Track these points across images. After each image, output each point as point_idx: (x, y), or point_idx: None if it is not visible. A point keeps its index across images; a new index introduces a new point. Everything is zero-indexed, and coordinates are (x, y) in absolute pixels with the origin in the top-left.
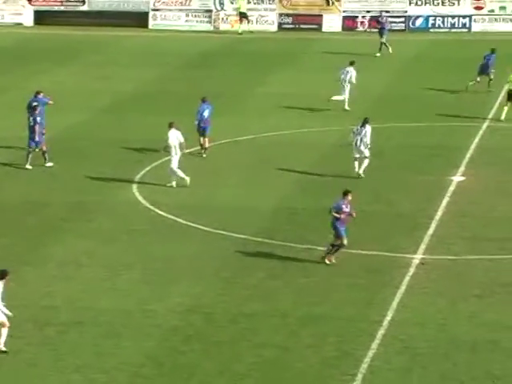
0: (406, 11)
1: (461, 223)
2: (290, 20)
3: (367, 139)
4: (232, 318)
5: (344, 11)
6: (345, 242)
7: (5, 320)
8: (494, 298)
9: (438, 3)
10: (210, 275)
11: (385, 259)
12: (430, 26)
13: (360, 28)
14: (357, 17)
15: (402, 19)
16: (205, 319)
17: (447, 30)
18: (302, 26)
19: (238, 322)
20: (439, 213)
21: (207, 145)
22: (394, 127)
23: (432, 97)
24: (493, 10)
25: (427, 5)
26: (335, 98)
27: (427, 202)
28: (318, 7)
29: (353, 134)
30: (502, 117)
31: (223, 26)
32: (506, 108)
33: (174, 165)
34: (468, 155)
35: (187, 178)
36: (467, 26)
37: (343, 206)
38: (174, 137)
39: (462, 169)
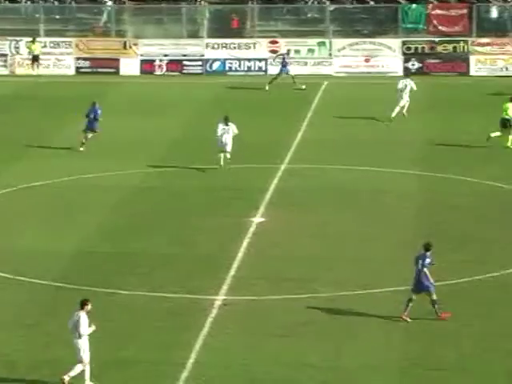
0: (203, 55)
1: (262, 264)
2: (87, 64)
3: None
4: (34, 365)
5: (141, 55)
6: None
7: (84, 358)
8: (294, 337)
9: (235, 47)
10: (9, 322)
11: (187, 301)
12: (227, 69)
13: (158, 71)
14: (154, 60)
15: (200, 63)
16: (6, 367)
17: (244, 72)
18: (99, 70)
19: (41, 368)
20: (240, 254)
21: None
22: (192, 170)
23: None
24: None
25: (224, 49)
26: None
27: (228, 244)
28: (115, 51)
29: (221, 131)
30: (509, 143)
31: (19, 71)
32: (498, 133)
33: None
34: (267, 197)
35: None
36: (263, 68)
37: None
38: None
39: (261, 210)
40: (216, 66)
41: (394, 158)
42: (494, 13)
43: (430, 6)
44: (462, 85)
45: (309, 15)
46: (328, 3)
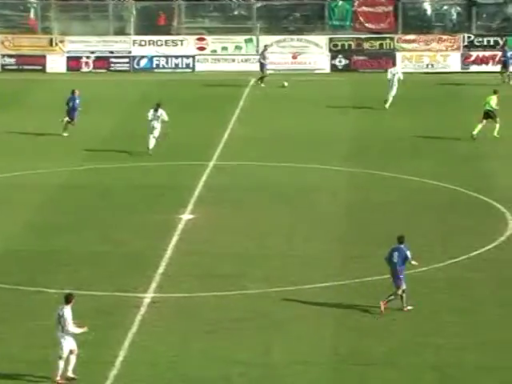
0: (130, 52)
1: (191, 261)
2: (13, 61)
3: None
4: None
5: (68, 52)
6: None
7: (74, 347)
8: (224, 334)
9: (162, 44)
10: None
11: (116, 299)
12: (154, 66)
13: (85, 68)
14: (81, 57)
15: (127, 60)
16: None
17: (171, 70)
18: (25, 67)
19: None
20: (169, 251)
21: None
22: (120, 168)
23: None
24: (215, 51)
25: (151, 45)
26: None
27: (157, 241)
28: (41, 48)
29: (151, 116)
30: (475, 132)
31: None
32: (480, 125)
33: None
34: (196, 194)
35: None
36: (191, 65)
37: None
38: None
39: (190, 207)
40: (143, 63)
41: (322, 154)
42: (421, 10)
43: (356, 3)
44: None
45: (236, 12)
46: (254, 0)
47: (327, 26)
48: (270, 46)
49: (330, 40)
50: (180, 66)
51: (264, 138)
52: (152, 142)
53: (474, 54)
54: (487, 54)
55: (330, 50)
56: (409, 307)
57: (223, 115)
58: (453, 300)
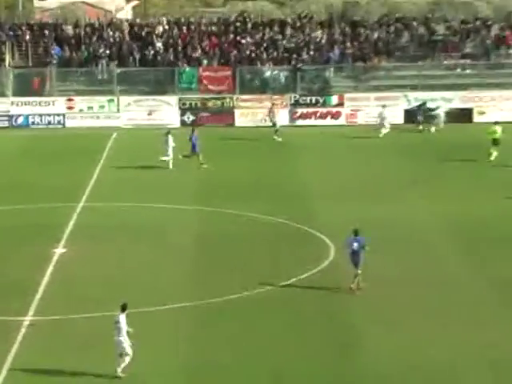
0: (9, 111)
1: (64, 287)
2: None
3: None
4: None
5: None
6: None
7: (129, 351)
8: (94, 351)
9: (37, 104)
10: None
11: None
12: (30, 123)
13: None
14: None
15: (6, 118)
16: None
17: (45, 126)
18: None
19: None
20: (46, 279)
21: None
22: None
23: (36, 183)
24: (82, 109)
25: (27, 105)
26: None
27: (34, 271)
28: None
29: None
30: (492, 158)
31: None
32: (494, 152)
33: None
34: (68, 231)
35: None
36: (62, 122)
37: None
38: None
39: (63, 242)
40: (20, 120)
41: (175, 195)
42: (255, 74)
43: (201, 69)
44: (230, 134)
45: (99, 77)
46: (115, 67)
47: (177, 88)
48: (196, 128)
49: (180, 100)
50: (52, 122)
51: (126, 181)
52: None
53: (300, 111)
54: (310, 110)
55: (180, 108)
56: (359, 286)
57: (91, 163)
58: (285, 315)
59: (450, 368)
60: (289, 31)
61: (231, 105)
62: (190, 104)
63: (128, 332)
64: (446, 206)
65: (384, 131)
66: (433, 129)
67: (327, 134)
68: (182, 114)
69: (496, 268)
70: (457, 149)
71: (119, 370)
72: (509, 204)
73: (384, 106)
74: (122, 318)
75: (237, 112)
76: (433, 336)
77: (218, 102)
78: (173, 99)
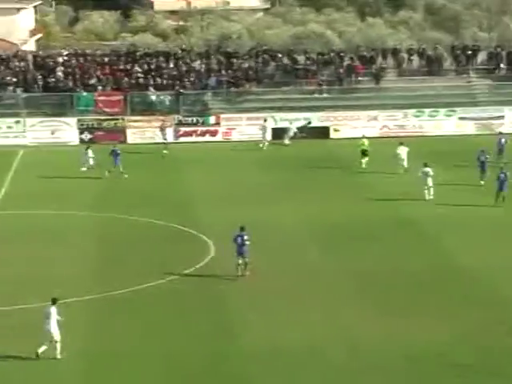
0: None
1: None
2: None
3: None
4: None
5: None
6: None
7: (59, 338)
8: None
9: None
10: None
11: None
12: None
13: None
14: None
15: None
16: None
17: None
18: None
19: None
20: None
21: None
22: None
23: None
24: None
25: None
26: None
27: None
28: None
29: None
30: (364, 165)
31: None
32: (364, 160)
33: None
34: None
35: None
36: None
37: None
38: None
39: None
40: None
41: (75, 203)
42: (144, 98)
43: (97, 93)
44: (123, 149)
45: (7, 101)
46: (20, 92)
47: (76, 110)
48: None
49: (78, 120)
50: None
51: (34, 192)
52: None
53: (183, 129)
54: (192, 129)
55: (78, 128)
56: (247, 273)
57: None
58: (173, 305)
59: (310, 348)
60: (172, 61)
61: (123, 124)
62: (88, 124)
63: (58, 321)
64: (309, 209)
65: (266, 143)
66: (286, 141)
67: (207, 149)
68: (81, 133)
69: (352, 262)
70: (317, 161)
71: (57, 353)
72: (366, 206)
73: (265, 120)
74: (53, 309)
75: (128, 131)
76: (297, 320)
77: (112, 123)
78: (72, 120)
